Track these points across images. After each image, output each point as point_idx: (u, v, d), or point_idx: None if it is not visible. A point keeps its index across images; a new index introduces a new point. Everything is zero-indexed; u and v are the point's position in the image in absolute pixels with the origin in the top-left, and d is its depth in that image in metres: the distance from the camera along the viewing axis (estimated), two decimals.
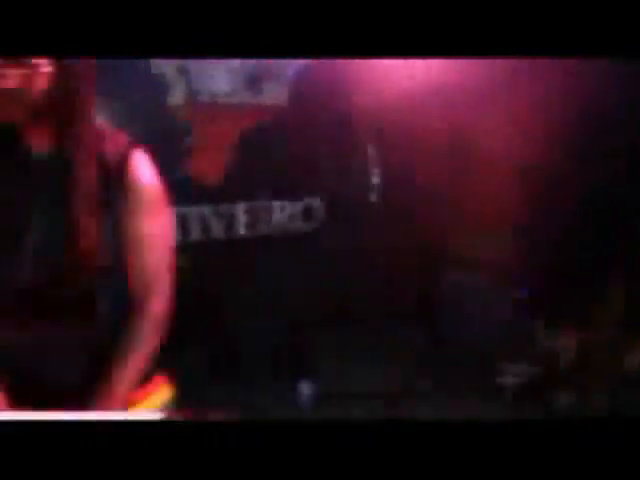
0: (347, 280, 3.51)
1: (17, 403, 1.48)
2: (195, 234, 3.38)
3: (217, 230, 3.44)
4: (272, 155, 3.53)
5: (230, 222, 3.47)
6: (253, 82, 3.45)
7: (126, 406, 1.52)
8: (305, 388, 3.19)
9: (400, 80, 3.40)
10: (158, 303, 1.58)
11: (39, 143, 1.51)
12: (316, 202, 3.61)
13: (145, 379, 1.58)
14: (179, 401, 1.68)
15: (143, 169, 1.57)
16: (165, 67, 3.22)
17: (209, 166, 3.39)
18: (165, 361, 1.63)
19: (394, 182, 3.66)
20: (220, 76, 3.33)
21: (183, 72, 3.25)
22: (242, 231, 3.49)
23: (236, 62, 3.39)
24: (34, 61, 1.43)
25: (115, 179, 1.54)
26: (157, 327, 1.58)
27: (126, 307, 1.57)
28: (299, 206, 3.59)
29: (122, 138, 1.60)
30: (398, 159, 3.59)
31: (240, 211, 3.49)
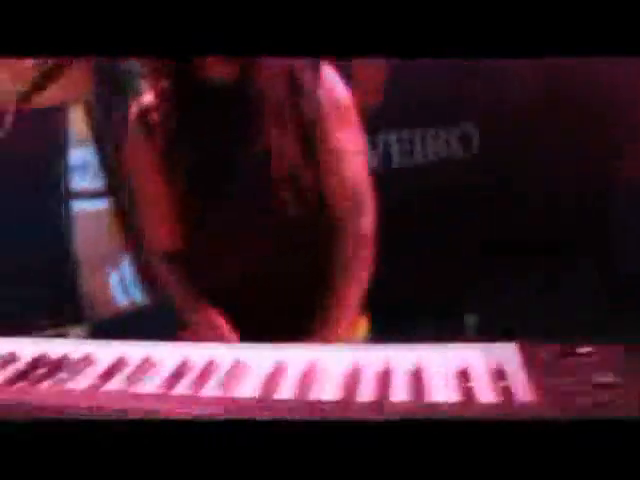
0: (509, 210, 3.38)
1: (241, 333, 1.48)
2: None
3: (371, 160, 3.38)
4: (424, 81, 3.38)
5: (385, 152, 3.35)
6: None
7: (339, 335, 1.49)
8: (469, 321, 3.14)
9: None
10: (365, 222, 1.52)
11: (222, 70, 1.45)
12: (471, 129, 3.46)
13: (354, 309, 1.54)
14: (374, 334, 1.64)
15: (335, 83, 1.53)
16: None
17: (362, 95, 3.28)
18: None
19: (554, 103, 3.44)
20: None
21: None
22: (397, 161, 3.40)
23: None
24: None
25: (308, 95, 1.48)
26: (366, 247, 1.52)
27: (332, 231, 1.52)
28: (455, 133, 3.45)
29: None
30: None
31: (393, 140, 3.39)
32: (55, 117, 2.92)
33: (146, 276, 2.87)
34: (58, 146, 2.94)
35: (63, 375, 1.15)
